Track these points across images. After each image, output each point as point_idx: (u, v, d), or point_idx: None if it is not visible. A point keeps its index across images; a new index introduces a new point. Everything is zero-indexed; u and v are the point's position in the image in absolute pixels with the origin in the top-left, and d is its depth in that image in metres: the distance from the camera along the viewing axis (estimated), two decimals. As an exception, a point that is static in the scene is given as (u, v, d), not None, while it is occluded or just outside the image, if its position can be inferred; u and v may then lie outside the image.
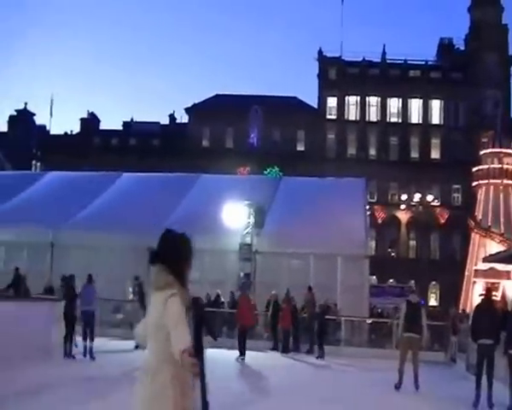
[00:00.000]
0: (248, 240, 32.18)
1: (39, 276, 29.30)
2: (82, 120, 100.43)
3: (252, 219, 32.30)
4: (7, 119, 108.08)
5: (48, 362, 17.17)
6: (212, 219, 32.69)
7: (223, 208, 32.60)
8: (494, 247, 63.99)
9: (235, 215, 32.18)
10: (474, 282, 64.81)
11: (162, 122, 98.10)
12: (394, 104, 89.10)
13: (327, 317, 28.28)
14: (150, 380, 4.93)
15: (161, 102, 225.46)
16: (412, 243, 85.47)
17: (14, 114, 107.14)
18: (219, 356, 20.29)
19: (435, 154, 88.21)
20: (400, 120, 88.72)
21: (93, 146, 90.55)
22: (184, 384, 4.94)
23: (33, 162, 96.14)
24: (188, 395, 4.97)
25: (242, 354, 23.90)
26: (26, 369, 15.97)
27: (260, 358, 24.34)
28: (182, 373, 4.87)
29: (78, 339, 21.26)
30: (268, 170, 75.97)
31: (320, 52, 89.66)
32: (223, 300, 31.98)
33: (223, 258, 32.71)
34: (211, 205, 33.66)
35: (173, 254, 5.39)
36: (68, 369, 18.18)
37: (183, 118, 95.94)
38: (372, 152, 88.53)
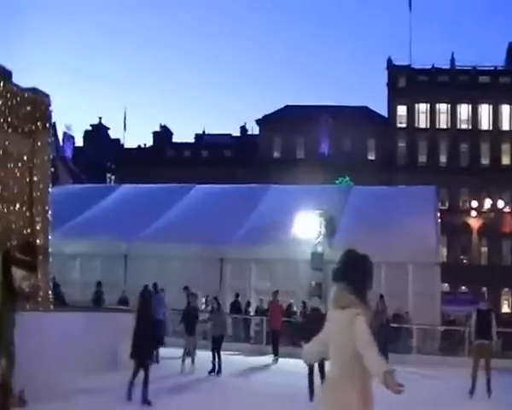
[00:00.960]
0: (320, 249, 32.01)
1: (113, 287, 29.67)
2: (155, 133, 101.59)
3: (323, 229, 32.15)
4: (82, 133, 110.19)
5: (120, 372, 17.31)
6: (283, 229, 32.67)
7: (294, 218, 32.55)
8: None
9: (307, 225, 32.08)
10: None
11: (233, 134, 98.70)
12: (464, 111, 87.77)
13: (397, 325, 28.01)
14: (336, 392, 5.24)
15: (232, 114, 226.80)
16: (484, 249, 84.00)
17: (90, 128, 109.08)
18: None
19: (506, 160, 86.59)
20: (470, 127, 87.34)
21: (166, 159, 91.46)
22: (367, 397, 5.26)
23: (108, 175, 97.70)
24: (370, 407, 5.28)
25: (276, 354, 27.03)
26: (99, 377, 16.15)
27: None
28: (366, 386, 5.23)
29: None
30: (339, 179, 75.62)
31: (389, 61, 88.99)
32: (295, 309, 31.90)
33: (294, 268, 32.60)
34: (282, 215, 33.65)
35: (358, 274, 5.50)
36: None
37: (254, 129, 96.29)
38: (442, 159, 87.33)
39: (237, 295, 32.40)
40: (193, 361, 21.35)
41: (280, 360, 27.01)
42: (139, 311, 17.63)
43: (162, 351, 22.19)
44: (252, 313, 33.13)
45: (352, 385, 5.18)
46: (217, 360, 21.27)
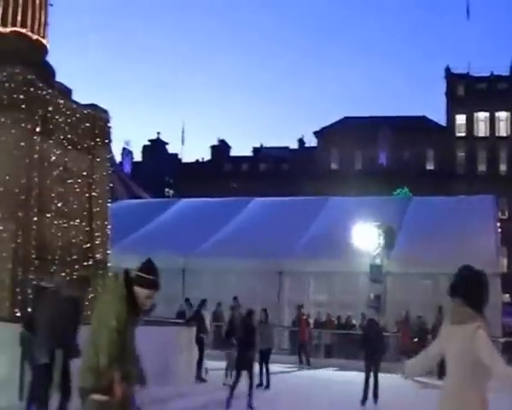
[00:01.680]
0: (378, 261, 31.85)
1: (171, 301, 29.90)
2: (212, 147, 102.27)
3: (382, 241, 32.00)
4: (141, 148, 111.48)
5: (178, 385, 17.48)
6: (341, 242, 32.58)
7: (352, 230, 32.46)
8: None
9: (365, 237, 31.96)
10: None
11: (291, 147, 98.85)
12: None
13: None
14: (459, 403, 5.44)
15: (290, 126, 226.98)
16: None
17: (148, 143, 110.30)
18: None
19: None
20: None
21: (224, 172, 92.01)
22: (487, 406, 5.49)
23: (166, 190, 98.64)
24: None
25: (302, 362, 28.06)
26: (157, 390, 16.30)
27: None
28: (486, 396, 5.48)
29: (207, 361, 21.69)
30: (397, 190, 75.13)
31: (447, 69, 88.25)
32: (354, 322, 31.77)
33: (353, 280, 32.47)
34: (340, 227, 33.56)
35: (474, 288, 5.67)
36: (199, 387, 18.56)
37: (311, 142, 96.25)
38: (502, 168, 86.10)
39: (300, 307, 32.29)
40: (227, 375, 20.70)
41: (335, 372, 26.95)
42: (243, 323, 17.97)
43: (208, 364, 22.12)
44: (311, 326, 33.05)
45: (474, 396, 5.41)
46: (264, 374, 20.83)
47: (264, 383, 20.76)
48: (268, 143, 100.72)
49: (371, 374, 18.94)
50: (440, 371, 27.13)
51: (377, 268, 31.62)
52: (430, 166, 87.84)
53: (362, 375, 20.12)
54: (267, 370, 20.95)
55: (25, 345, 12.88)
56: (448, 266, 30.14)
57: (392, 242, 32.71)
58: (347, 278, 32.40)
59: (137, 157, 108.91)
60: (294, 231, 35.66)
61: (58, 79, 20.36)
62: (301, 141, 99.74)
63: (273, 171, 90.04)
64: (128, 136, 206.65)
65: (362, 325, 30.42)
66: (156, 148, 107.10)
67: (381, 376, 18.91)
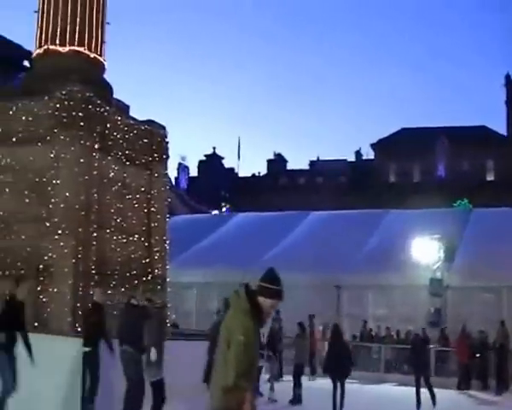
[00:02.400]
0: (439, 275, 31.57)
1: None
2: (269, 161, 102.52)
3: (442, 254, 31.74)
4: (197, 163, 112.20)
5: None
6: (401, 255, 32.38)
7: (412, 243, 32.27)
8: None
9: (425, 250, 31.74)
10: None
11: (348, 159, 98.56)
12: None
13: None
14: None
15: (347, 139, 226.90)
16: None
17: (204, 158, 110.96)
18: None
19: None
20: None
21: (280, 186, 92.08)
22: None
23: (222, 204, 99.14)
24: None
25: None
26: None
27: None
28: None
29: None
30: (457, 202, 74.36)
31: (507, 77, 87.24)
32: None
33: (412, 294, 32.19)
34: (399, 240, 33.37)
35: None
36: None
37: (369, 154, 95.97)
38: None
39: (365, 322, 32.15)
40: (271, 388, 20.41)
41: (394, 388, 26.81)
42: (333, 338, 18.19)
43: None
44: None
45: None
46: (298, 388, 20.38)
47: (297, 397, 20.28)
48: (325, 156, 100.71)
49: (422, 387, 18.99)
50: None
51: (437, 282, 31.34)
52: (490, 177, 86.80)
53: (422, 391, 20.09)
54: (299, 384, 20.46)
55: (88, 361, 13.23)
56: (510, 278, 30.01)
57: (453, 255, 32.41)
58: (407, 291, 32.15)
59: (193, 172, 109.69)
60: (353, 244, 35.55)
61: (115, 95, 20.77)
62: (358, 153, 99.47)
63: (330, 184, 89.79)
64: (184, 151, 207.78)
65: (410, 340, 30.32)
66: (212, 162, 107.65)
67: (438, 391, 18.80)
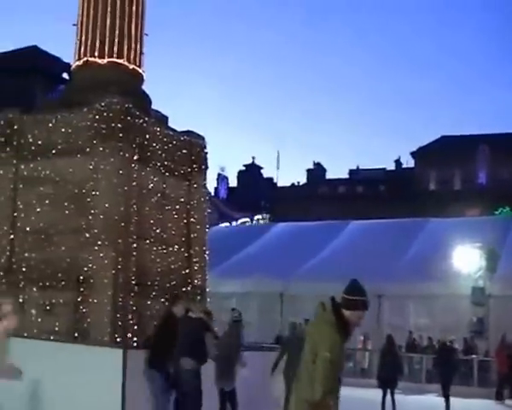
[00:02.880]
0: (481, 284, 31.23)
1: (270, 326, 29.93)
2: (308, 170, 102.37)
3: (484, 262, 31.40)
4: (236, 174, 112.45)
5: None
6: (442, 264, 32.12)
7: (453, 252, 31.98)
8: None
9: (467, 259, 31.44)
10: None
11: (388, 168, 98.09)
12: None
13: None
14: None
15: (386, 147, 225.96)
16: None
17: (243, 168, 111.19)
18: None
19: None
20: None
21: (319, 195, 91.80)
22: None
23: (262, 214, 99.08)
24: None
25: None
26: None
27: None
28: None
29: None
30: (499, 210, 73.52)
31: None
32: (456, 346, 31.16)
33: (454, 303, 31.87)
34: (441, 249, 33.11)
35: None
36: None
37: (408, 162, 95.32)
38: None
39: (410, 333, 31.86)
40: None
41: (435, 398, 26.46)
42: (386, 348, 18.15)
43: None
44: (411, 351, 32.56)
45: None
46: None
47: None
48: (364, 165, 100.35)
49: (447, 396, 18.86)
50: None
51: (480, 291, 31.01)
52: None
53: (460, 401, 19.89)
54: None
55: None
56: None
57: (495, 263, 32.04)
58: (448, 301, 31.82)
59: (233, 182, 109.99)
60: (393, 253, 35.33)
61: (154, 106, 20.85)
62: (398, 162, 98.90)
63: (370, 193, 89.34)
64: (223, 162, 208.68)
65: (464, 350, 29.94)
66: (251, 173, 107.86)
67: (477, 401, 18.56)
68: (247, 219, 79.85)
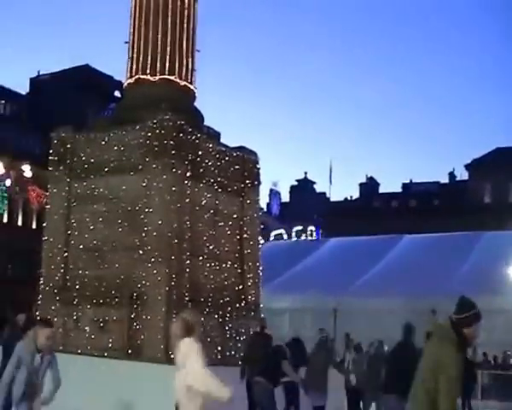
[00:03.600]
0: (538, 297, 30.69)
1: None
2: (361, 184, 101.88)
3: (541, 276, 30.88)
4: (288, 189, 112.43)
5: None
6: (499, 278, 31.60)
7: (509, 266, 31.47)
8: None
9: (524, 272, 30.96)
10: None
11: (442, 181, 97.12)
12: None
13: None
14: None
15: (440, 160, 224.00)
16: None
17: (295, 183, 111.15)
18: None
19: None
20: None
21: (373, 210, 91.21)
22: None
23: (314, 229, 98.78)
24: None
25: None
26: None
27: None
28: None
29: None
30: (556, 223, 72.23)
31: None
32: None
33: (510, 317, 31.33)
34: (496, 263, 32.58)
35: None
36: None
37: (462, 175, 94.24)
38: None
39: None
40: None
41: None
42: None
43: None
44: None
45: None
46: None
47: None
48: (417, 178, 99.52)
49: None
50: None
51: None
52: None
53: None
54: None
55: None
56: None
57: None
58: (504, 315, 31.25)
59: (285, 198, 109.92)
60: (448, 267, 34.82)
61: (206, 123, 20.86)
62: (452, 175, 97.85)
63: (423, 207, 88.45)
64: (275, 177, 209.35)
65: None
66: (304, 187, 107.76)
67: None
68: (301, 227, 79.58)
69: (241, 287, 20.01)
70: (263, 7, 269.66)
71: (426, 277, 33.60)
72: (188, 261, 17.74)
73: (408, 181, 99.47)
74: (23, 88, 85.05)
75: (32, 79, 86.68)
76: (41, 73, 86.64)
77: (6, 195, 66.92)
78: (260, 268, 20.86)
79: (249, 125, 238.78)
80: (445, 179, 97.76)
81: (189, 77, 20.04)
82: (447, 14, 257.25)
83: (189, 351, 7.30)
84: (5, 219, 69.58)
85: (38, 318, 15.43)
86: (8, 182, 66.97)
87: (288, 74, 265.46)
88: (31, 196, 67.58)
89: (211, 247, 18.96)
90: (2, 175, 66.18)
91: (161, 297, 17.07)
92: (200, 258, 18.58)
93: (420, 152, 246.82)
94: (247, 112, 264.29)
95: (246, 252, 20.16)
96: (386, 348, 25.16)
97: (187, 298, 17.59)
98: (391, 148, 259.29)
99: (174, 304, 17.14)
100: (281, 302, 33.38)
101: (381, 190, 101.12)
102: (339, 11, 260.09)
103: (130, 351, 16.88)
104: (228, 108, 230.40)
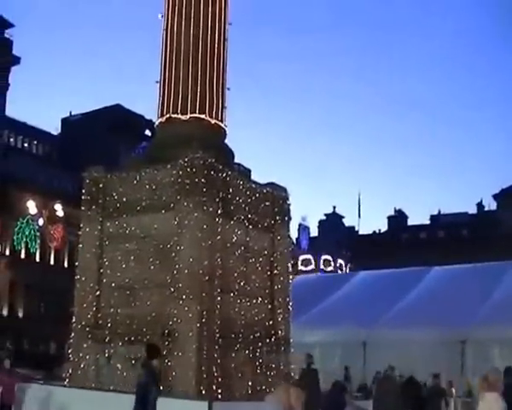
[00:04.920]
0: None
1: (353, 374, 29.48)
2: (389, 217, 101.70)
3: None
4: (317, 223, 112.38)
5: None
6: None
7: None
8: None
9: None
10: None
11: (470, 211, 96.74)
12: None
13: None
14: None
15: (468, 190, 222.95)
16: None
17: (324, 218, 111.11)
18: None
19: None
20: None
21: (401, 242, 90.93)
22: None
23: (343, 263, 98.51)
24: None
25: None
26: None
27: None
28: None
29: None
30: None
31: None
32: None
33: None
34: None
35: None
36: None
37: (491, 205, 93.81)
38: None
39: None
40: None
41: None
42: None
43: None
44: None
45: None
46: None
47: None
48: (446, 209, 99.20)
49: None
50: None
51: None
52: None
53: None
54: None
55: None
56: None
57: None
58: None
59: (313, 232, 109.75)
60: (477, 297, 34.43)
61: (237, 159, 20.94)
62: (480, 205, 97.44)
63: (452, 237, 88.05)
64: (304, 211, 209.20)
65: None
66: (332, 221, 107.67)
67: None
68: (329, 257, 79.41)
69: (271, 322, 19.97)
70: (288, 38, 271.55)
71: (455, 307, 33.27)
72: (219, 298, 17.72)
73: (436, 212, 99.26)
74: (55, 128, 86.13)
75: (63, 120, 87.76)
76: (73, 113, 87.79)
77: (38, 234, 67.48)
78: (290, 303, 20.80)
79: (278, 160, 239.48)
80: (473, 210, 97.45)
81: (220, 115, 20.15)
82: (476, 46, 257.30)
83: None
84: (37, 258, 70.14)
85: None
86: (40, 221, 67.59)
87: (315, 107, 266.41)
88: (54, 234, 68.18)
89: (241, 283, 18.95)
90: (35, 214, 66.84)
91: (192, 334, 17.04)
92: (231, 294, 18.57)
93: (448, 182, 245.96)
94: (276, 148, 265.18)
95: (276, 287, 20.13)
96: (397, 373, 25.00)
97: (218, 334, 17.56)
98: (418, 179, 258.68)
99: (205, 340, 17.16)
100: (311, 336, 33.16)
101: (410, 222, 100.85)
102: (367, 41, 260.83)
103: (162, 387, 16.85)
104: (257, 143, 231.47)
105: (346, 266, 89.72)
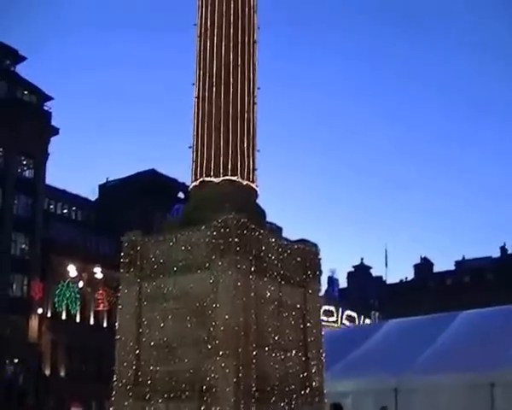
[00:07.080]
0: None
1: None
2: (415, 265, 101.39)
3: None
4: (346, 275, 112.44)
5: None
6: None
7: None
8: None
9: None
10: None
11: (494, 256, 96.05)
12: None
13: None
14: None
15: (491, 235, 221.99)
16: None
17: (352, 269, 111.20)
18: None
19: None
20: None
21: (428, 289, 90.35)
22: None
23: (372, 312, 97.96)
24: None
25: None
26: None
27: None
28: None
29: None
30: None
31: None
32: None
33: None
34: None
35: None
36: None
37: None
38: None
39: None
40: None
41: None
42: None
43: None
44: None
45: None
46: None
47: None
48: (470, 255, 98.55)
49: None
50: None
51: None
52: None
53: None
54: None
55: None
56: None
57: None
58: None
59: (343, 283, 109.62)
60: (506, 340, 34.03)
61: (268, 219, 21.02)
62: (503, 249, 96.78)
63: (477, 282, 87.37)
64: (333, 264, 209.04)
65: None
66: (360, 273, 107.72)
67: None
68: (353, 314, 78.91)
69: (305, 374, 19.91)
70: (316, 95, 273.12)
71: (483, 350, 32.82)
72: (254, 353, 17.72)
73: (461, 258, 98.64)
74: (92, 191, 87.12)
75: (100, 186, 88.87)
76: (109, 179, 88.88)
77: (78, 296, 68.05)
78: (323, 354, 20.74)
79: (306, 214, 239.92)
80: (496, 253, 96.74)
81: (251, 176, 20.35)
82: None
83: None
84: (78, 319, 70.55)
85: None
86: (80, 284, 68.25)
87: (340, 160, 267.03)
88: (100, 299, 68.83)
89: (276, 337, 18.96)
90: (75, 277, 67.47)
91: (230, 389, 16.98)
92: (266, 348, 18.57)
93: (471, 228, 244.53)
94: (304, 202, 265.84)
95: (309, 340, 20.13)
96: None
97: (254, 388, 17.51)
98: (442, 224, 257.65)
99: (242, 395, 17.10)
100: (343, 386, 32.87)
101: (435, 269, 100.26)
102: (389, 96, 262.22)
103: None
104: (288, 201, 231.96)
105: (373, 318, 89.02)
